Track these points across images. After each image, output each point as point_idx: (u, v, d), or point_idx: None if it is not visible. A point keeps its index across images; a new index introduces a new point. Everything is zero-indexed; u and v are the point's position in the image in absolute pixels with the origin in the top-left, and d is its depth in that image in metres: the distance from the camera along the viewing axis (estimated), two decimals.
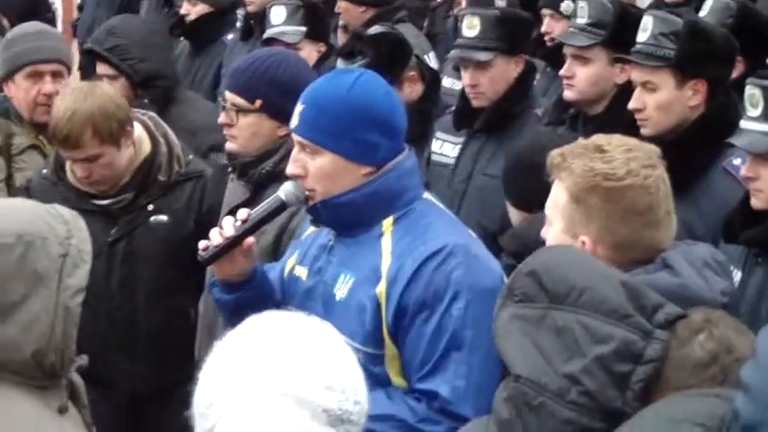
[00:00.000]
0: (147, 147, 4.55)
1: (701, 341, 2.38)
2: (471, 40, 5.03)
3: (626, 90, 4.41)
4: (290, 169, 3.29)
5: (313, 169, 3.22)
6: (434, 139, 5.24)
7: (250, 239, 3.34)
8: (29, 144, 5.17)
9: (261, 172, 4.04)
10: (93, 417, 2.96)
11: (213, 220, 4.62)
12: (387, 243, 3.20)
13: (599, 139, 2.90)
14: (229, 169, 4.26)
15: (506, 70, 5.04)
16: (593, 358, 2.36)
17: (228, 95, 4.14)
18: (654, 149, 2.89)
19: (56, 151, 4.65)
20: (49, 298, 2.71)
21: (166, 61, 5.70)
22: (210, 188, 4.60)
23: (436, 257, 3.12)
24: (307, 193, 3.27)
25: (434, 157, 5.22)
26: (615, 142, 2.85)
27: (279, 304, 3.39)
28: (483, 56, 4.99)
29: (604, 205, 2.78)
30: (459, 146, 5.16)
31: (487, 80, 5.01)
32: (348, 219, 3.24)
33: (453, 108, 5.19)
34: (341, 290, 3.24)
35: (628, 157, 2.80)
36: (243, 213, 3.35)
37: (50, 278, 2.72)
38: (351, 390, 2.22)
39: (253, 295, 3.36)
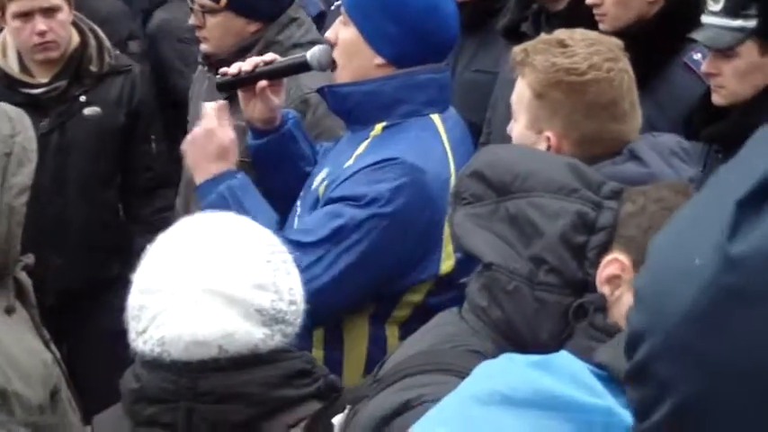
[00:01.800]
0: (75, 38, 4.54)
1: (634, 197, 2.39)
2: None
3: None
4: (327, 34, 3.34)
5: (340, 39, 3.24)
6: None
7: (262, 83, 3.37)
8: None
9: None
10: None
11: (144, 115, 4.69)
12: (361, 147, 3.18)
13: (561, 33, 2.87)
14: (205, 68, 4.22)
15: None
16: (551, 234, 2.37)
17: None
18: (617, 42, 2.86)
19: None
20: None
21: None
22: (140, 83, 4.64)
23: (378, 164, 3.08)
24: (334, 63, 3.29)
25: None
26: (577, 36, 2.82)
27: (305, 174, 3.43)
28: None
29: (567, 100, 2.76)
30: None
31: None
32: (346, 111, 3.25)
33: None
34: (316, 182, 3.26)
35: (590, 51, 2.77)
36: (269, 56, 3.41)
37: None
38: (284, 289, 2.21)
39: (276, 149, 3.43)
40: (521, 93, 2.82)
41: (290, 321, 2.20)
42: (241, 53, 3.93)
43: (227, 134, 3.30)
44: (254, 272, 2.18)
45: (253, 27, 4.03)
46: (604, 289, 2.31)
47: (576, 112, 2.76)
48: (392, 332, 3.17)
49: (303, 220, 3.18)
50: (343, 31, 3.23)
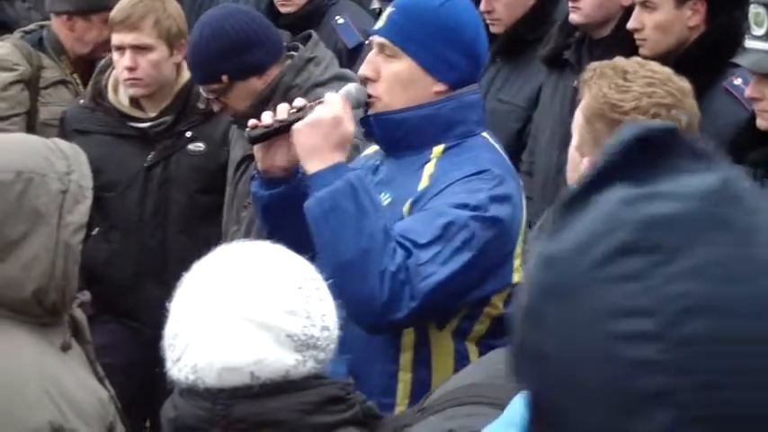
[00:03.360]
0: (186, 74, 4.60)
1: None
2: None
3: (632, 12, 4.36)
4: (363, 70, 3.24)
5: (387, 73, 3.17)
6: None
7: None
8: (58, 79, 5.19)
9: None
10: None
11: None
12: (429, 168, 3.17)
13: (631, 62, 2.81)
14: (236, 126, 4.25)
15: None
16: None
17: (202, 89, 4.23)
18: (681, 88, 2.78)
19: (94, 78, 4.70)
20: (49, 236, 2.70)
21: None
22: None
23: (471, 177, 3.09)
24: (369, 99, 3.20)
25: None
26: (642, 72, 2.76)
27: None
28: None
29: (608, 134, 2.72)
30: None
31: (502, 6, 4.93)
32: (398, 138, 3.20)
33: None
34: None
35: (643, 92, 2.72)
36: (299, 101, 3.26)
37: (50, 215, 2.71)
38: (317, 315, 2.21)
39: (289, 195, 3.27)
40: (578, 113, 2.82)
41: (323, 347, 2.20)
42: (262, 103, 3.91)
43: (351, 125, 3.11)
44: (285, 298, 2.19)
45: (265, 77, 4.07)
46: None
47: None
48: (472, 349, 3.18)
49: (401, 224, 3.08)
50: (390, 65, 3.18)
